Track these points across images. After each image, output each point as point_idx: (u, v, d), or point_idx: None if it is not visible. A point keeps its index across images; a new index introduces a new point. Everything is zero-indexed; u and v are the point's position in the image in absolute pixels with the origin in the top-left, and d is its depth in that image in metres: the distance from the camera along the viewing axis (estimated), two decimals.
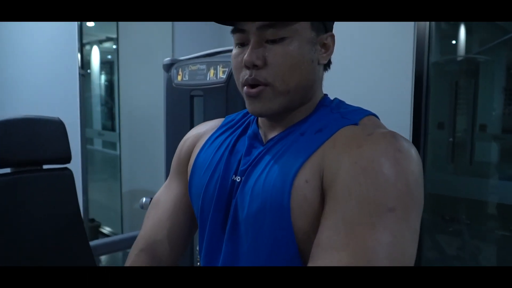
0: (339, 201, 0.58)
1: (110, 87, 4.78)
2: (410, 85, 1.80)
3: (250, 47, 0.67)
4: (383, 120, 0.73)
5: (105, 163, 4.62)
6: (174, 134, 1.66)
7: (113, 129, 3.69)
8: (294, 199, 0.63)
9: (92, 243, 1.41)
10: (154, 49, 2.81)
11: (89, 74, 6.17)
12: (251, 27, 0.67)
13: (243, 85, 0.70)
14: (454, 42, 2.35)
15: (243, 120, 0.84)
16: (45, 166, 1.31)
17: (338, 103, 0.76)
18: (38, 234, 1.24)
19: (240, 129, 0.82)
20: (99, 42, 5.93)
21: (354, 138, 0.63)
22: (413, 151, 0.61)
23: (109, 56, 5.35)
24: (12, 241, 1.20)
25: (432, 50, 1.83)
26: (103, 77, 5.74)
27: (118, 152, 3.42)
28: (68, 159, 1.31)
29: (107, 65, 5.42)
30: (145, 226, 0.89)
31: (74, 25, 2.14)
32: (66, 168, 1.33)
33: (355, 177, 0.58)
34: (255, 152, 0.74)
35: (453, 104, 2.26)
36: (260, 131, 0.78)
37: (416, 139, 1.84)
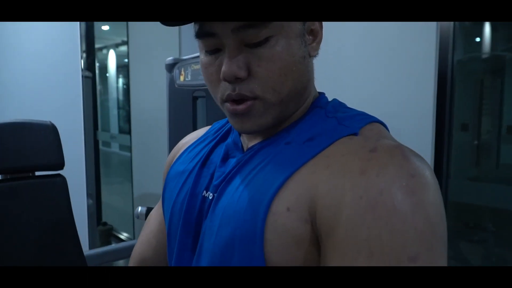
0: (345, 253, 0.45)
1: (127, 90, 4.79)
2: (432, 85, 1.70)
3: (227, 55, 0.54)
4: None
5: (121, 166, 4.62)
6: (177, 137, 1.58)
7: (129, 132, 3.67)
8: (270, 228, 0.50)
9: (87, 252, 1.33)
10: (161, 50, 2.75)
11: (107, 77, 6.24)
12: (225, 29, 0.53)
13: (225, 101, 0.57)
14: (478, 39, 2.23)
15: (225, 126, 0.72)
16: (38, 173, 1.25)
17: (336, 105, 0.63)
18: (29, 243, 1.18)
19: (219, 137, 0.70)
20: (115, 46, 5.98)
21: (354, 156, 0.50)
22: (428, 172, 0.48)
23: (126, 60, 5.38)
24: (2, 250, 1.14)
25: (456, 48, 1.72)
26: (120, 80, 5.78)
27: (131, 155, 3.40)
28: (61, 166, 1.23)
29: (124, 69, 5.45)
30: (137, 243, 0.85)
31: (77, 26, 2.09)
32: (59, 175, 1.25)
33: (362, 218, 0.45)
34: (232, 164, 0.61)
35: (477, 104, 2.15)
36: (242, 139, 0.66)
37: (439, 143, 1.72)
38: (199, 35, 0.55)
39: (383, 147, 0.50)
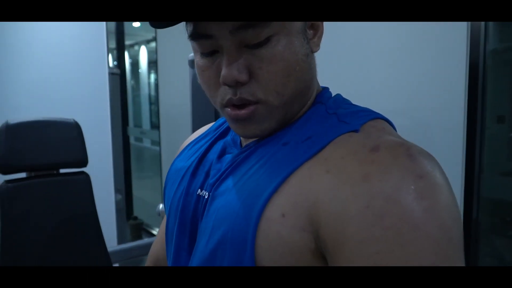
0: None
1: (157, 86, 4.88)
2: (464, 76, 1.63)
3: (226, 58, 0.50)
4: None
5: (152, 161, 4.69)
6: None
7: (158, 127, 3.72)
8: (262, 234, 0.47)
9: (112, 248, 1.35)
10: (188, 45, 2.76)
11: (138, 73, 6.34)
12: (222, 30, 0.49)
13: (225, 106, 0.54)
14: None
15: (226, 122, 0.69)
16: (62, 170, 1.27)
17: (338, 100, 0.59)
18: (53, 240, 1.20)
19: (218, 134, 0.67)
20: (146, 42, 6.07)
21: (354, 158, 0.46)
22: (437, 171, 0.44)
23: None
24: (26, 247, 1.17)
25: (489, 37, 1.63)
26: (152, 76, 5.87)
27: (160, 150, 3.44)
28: (84, 163, 1.25)
29: (156, 65, 5.53)
30: (154, 242, 0.84)
31: (103, 23, 2.12)
32: (82, 172, 1.28)
33: (370, 231, 0.41)
34: (227, 160, 0.59)
35: None
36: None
37: (471, 136, 1.65)
38: (193, 36, 0.51)
39: (385, 145, 0.46)
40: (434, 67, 1.67)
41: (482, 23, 1.59)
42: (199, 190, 0.60)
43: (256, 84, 0.51)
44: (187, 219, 0.60)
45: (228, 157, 0.60)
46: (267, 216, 0.47)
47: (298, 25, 0.52)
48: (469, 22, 1.58)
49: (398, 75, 1.74)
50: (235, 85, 0.51)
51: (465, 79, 1.61)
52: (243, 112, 0.52)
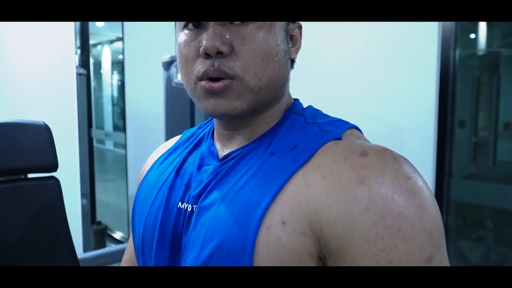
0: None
1: (122, 87, 4.75)
2: (435, 82, 1.67)
3: (211, 29, 0.52)
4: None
5: (115, 163, 4.58)
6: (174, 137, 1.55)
7: (124, 129, 3.62)
8: (262, 242, 0.49)
9: (81, 255, 1.30)
10: (157, 46, 2.71)
11: (101, 74, 6.17)
12: None
13: (200, 79, 0.54)
14: (473, 36, 2.22)
15: (197, 133, 0.70)
16: (30, 175, 1.21)
17: (312, 111, 0.62)
18: (21, 248, 1.14)
19: (192, 145, 0.67)
20: (110, 42, 5.92)
21: (347, 162, 0.49)
22: (417, 172, 0.50)
23: (120, 56, 5.33)
24: None
25: (458, 45, 1.70)
26: (115, 77, 5.72)
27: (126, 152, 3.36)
28: (54, 167, 1.19)
29: (119, 65, 5.39)
30: (127, 248, 0.82)
31: (71, 22, 2.04)
32: (52, 177, 1.21)
33: (374, 230, 0.45)
34: (209, 171, 0.59)
35: (474, 101, 2.14)
36: (217, 145, 0.63)
37: (442, 141, 1.70)
38: None
39: (372, 150, 0.50)
40: (407, 74, 1.71)
41: (453, 31, 1.63)
42: (180, 203, 0.59)
43: (236, 59, 0.53)
44: (168, 233, 0.59)
45: (208, 169, 0.59)
46: (267, 224, 0.49)
47: (281, 22, 0.56)
48: (441, 30, 1.62)
49: (372, 82, 1.77)
50: (215, 56, 0.52)
51: (436, 85, 1.66)
52: (217, 84, 0.53)
